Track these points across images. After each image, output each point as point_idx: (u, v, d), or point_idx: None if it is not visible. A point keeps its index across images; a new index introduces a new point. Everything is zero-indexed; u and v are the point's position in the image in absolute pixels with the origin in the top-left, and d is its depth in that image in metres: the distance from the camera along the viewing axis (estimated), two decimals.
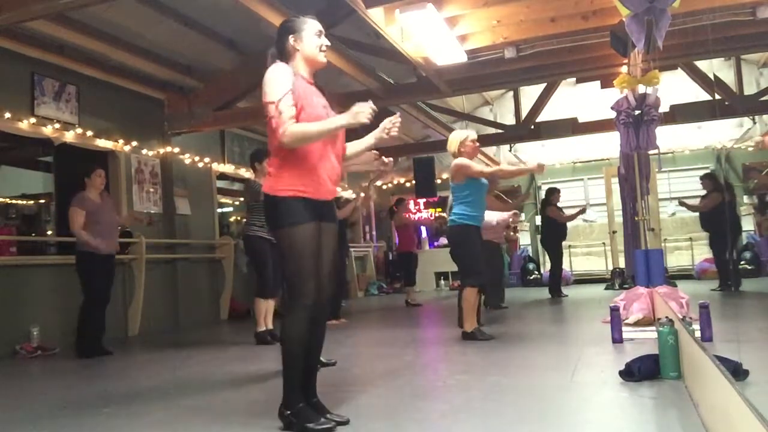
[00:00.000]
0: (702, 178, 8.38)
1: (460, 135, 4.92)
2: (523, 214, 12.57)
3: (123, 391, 3.66)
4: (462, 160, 4.77)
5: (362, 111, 2.41)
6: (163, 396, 3.42)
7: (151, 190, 7.52)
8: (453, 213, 4.83)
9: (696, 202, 8.40)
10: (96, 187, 5.31)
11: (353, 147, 2.77)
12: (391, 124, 2.57)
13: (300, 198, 2.48)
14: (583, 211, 9.18)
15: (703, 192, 8.22)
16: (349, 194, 12.09)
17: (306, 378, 2.57)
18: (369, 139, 2.70)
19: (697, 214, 8.45)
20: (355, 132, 2.62)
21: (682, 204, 8.50)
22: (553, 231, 8.75)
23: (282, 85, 2.45)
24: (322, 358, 3.45)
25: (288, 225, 2.48)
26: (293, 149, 2.47)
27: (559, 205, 8.92)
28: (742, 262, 9.27)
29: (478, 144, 4.93)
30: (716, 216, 7.76)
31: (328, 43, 2.69)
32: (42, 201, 7.85)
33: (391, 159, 2.99)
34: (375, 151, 2.89)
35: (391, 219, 9.86)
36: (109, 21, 6.01)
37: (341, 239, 6.63)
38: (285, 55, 2.60)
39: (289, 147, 2.44)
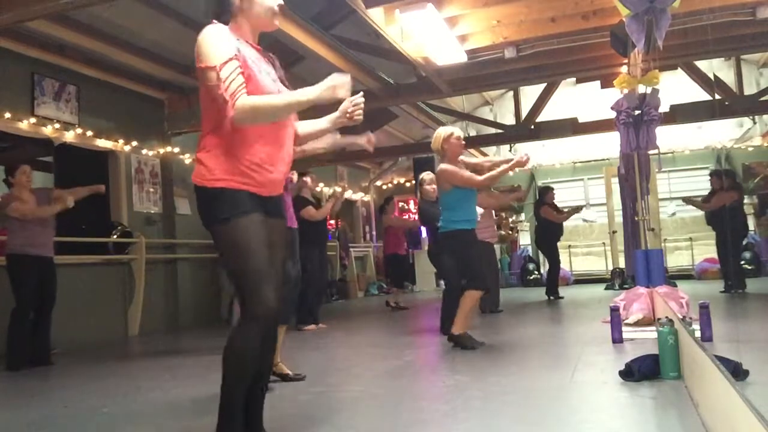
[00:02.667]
0: (711, 174, 8.27)
1: (445, 131, 4.65)
2: (522, 214, 12.59)
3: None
4: (447, 167, 4.50)
5: (340, 84, 2.03)
6: None
7: (151, 190, 7.52)
8: (442, 219, 4.62)
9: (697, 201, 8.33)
10: (23, 185, 4.94)
11: (306, 126, 2.35)
12: (353, 107, 2.18)
13: (241, 191, 2.07)
14: (577, 210, 8.99)
15: (707, 190, 8.11)
16: (349, 194, 12.10)
17: (251, 405, 2.16)
18: (323, 123, 2.32)
19: (699, 213, 8.38)
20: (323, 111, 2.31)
21: (687, 202, 8.27)
22: (548, 231, 8.53)
23: (223, 47, 2.00)
24: (288, 372, 3.49)
25: (228, 217, 2.04)
26: (232, 130, 2.03)
27: (558, 204, 8.82)
28: (742, 262, 9.26)
29: (463, 142, 4.67)
30: (730, 215, 7.53)
31: (282, 3, 2.23)
32: None
33: (372, 137, 2.64)
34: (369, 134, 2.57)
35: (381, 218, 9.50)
36: (109, 21, 6.01)
37: (319, 238, 6.43)
38: (227, 14, 2.14)
39: (239, 123, 2.00)
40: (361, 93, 2.21)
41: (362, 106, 2.19)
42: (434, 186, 5.40)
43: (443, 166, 4.53)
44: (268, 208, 2.15)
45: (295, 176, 6.22)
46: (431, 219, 5.37)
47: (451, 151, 4.54)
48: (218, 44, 2.01)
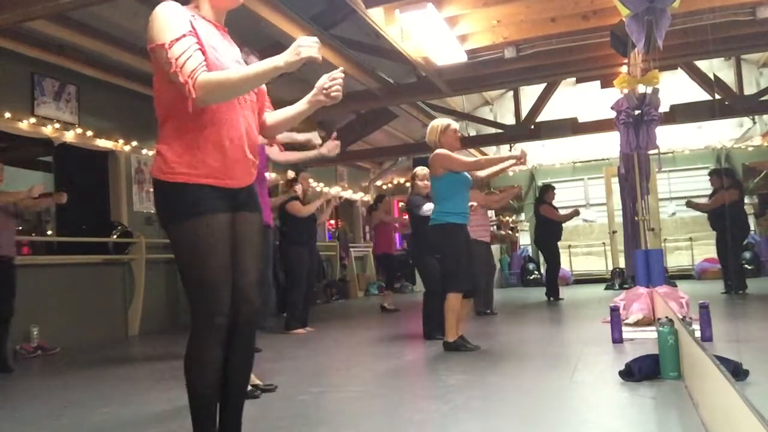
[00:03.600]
0: (711, 173, 8.22)
1: (441, 123, 4.49)
2: (522, 214, 12.59)
3: None
4: (442, 151, 4.34)
5: (305, 44, 1.84)
6: None
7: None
8: (434, 211, 4.44)
9: (700, 201, 8.30)
10: None
11: (279, 114, 2.17)
12: (330, 81, 1.99)
13: (203, 185, 1.88)
14: (576, 213, 8.71)
15: (707, 190, 8.09)
16: (349, 194, 12.10)
17: (226, 422, 1.98)
18: (301, 105, 2.10)
19: (699, 213, 8.36)
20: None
21: (690, 205, 8.11)
22: (548, 230, 8.34)
23: (175, 24, 1.82)
24: (259, 382, 3.22)
25: (185, 217, 1.87)
26: (190, 115, 1.84)
27: (558, 204, 8.75)
28: (742, 262, 9.25)
29: (459, 133, 4.52)
30: (732, 214, 7.42)
31: None
32: None
33: (338, 143, 2.54)
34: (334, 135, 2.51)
35: (370, 216, 9.14)
36: (109, 21, 6.01)
37: (307, 238, 6.25)
38: None
39: (203, 104, 1.82)
40: (341, 69, 2.05)
41: (341, 81, 2.00)
42: (427, 182, 5.20)
43: (438, 150, 4.35)
44: (239, 200, 1.97)
45: (290, 174, 6.18)
46: (416, 206, 5.23)
47: (448, 144, 4.38)
48: (169, 21, 1.82)
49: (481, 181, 6.75)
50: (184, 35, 1.81)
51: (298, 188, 6.42)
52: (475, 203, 6.03)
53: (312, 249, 6.40)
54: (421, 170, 5.42)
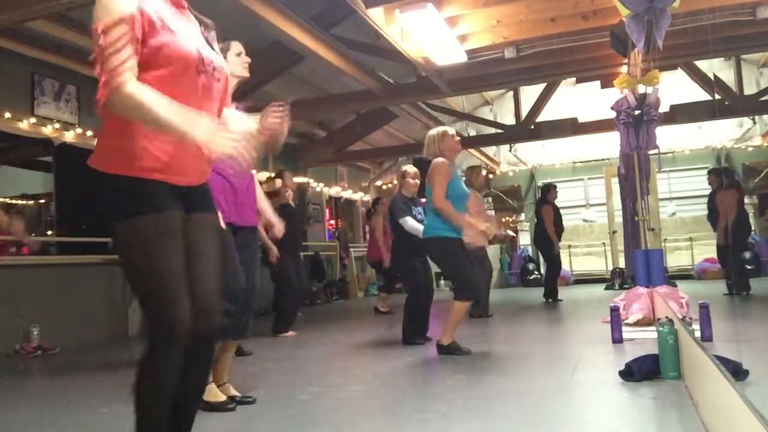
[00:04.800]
0: (709, 173, 8.12)
1: (437, 132, 4.34)
2: (522, 214, 12.59)
3: None
4: (439, 162, 4.19)
5: (223, 142, 1.58)
6: None
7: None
8: (426, 224, 4.33)
9: (694, 201, 8.26)
10: None
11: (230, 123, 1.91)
12: (270, 122, 1.83)
13: (152, 180, 1.65)
14: (558, 244, 8.25)
15: (707, 190, 8.05)
16: (349, 194, 12.11)
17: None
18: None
19: (699, 213, 8.33)
20: None
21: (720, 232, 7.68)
22: (547, 231, 8.09)
23: (118, 3, 1.59)
24: (236, 393, 3.02)
25: (135, 214, 1.64)
26: (149, 85, 1.60)
27: (558, 205, 8.56)
28: (744, 263, 9.25)
29: (458, 138, 4.38)
30: (734, 214, 7.29)
31: None
32: (42, 201, 7.84)
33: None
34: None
35: (368, 220, 8.63)
36: None
37: (290, 241, 5.67)
38: None
39: (110, 108, 1.59)
40: (290, 100, 1.90)
41: (283, 121, 1.82)
42: (418, 181, 5.13)
43: (437, 161, 4.24)
44: (192, 201, 1.76)
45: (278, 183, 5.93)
46: (400, 211, 4.99)
47: (448, 150, 4.27)
48: (110, 1, 1.60)
49: (478, 186, 6.67)
50: (122, 19, 1.58)
51: (288, 194, 6.04)
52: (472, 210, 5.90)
53: (295, 251, 6.06)
54: (411, 168, 5.23)
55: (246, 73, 2.96)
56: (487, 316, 6.54)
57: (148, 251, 1.63)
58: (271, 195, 5.83)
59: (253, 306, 3.08)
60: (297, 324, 6.30)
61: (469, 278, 4.17)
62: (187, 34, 1.72)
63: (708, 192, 8.09)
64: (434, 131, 4.39)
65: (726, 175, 8.07)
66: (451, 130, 4.38)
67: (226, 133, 1.62)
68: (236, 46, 2.94)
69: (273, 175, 6.26)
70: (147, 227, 1.64)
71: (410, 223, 4.92)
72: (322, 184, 11.11)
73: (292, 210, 6.03)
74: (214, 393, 2.90)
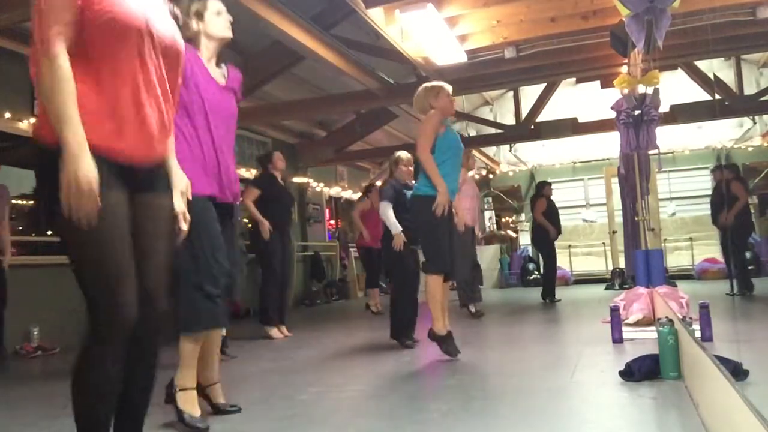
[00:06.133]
0: (721, 168, 8.09)
1: (432, 85, 4.00)
2: (523, 214, 12.59)
3: None
4: (430, 115, 3.84)
5: (82, 201, 1.45)
6: None
7: None
8: (417, 183, 3.95)
9: (694, 201, 8.25)
10: None
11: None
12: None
13: (97, 156, 1.49)
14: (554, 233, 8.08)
15: (707, 190, 8.02)
16: (349, 194, 12.10)
17: None
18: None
19: (699, 213, 8.31)
20: None
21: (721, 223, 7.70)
22: (544, 230, 8.00)
23: None
24: (222, 401, 2.80)
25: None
26: (80, 63, 1.51)
27: (558, 205, 8.46)
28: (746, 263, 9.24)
29: (453, 99, 3.98)
30: (737, 212, 7.24)
31: None
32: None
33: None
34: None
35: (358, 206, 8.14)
36: None
37: (278, 219, 5.55)
38: None
39: (37, 77, 1.49)
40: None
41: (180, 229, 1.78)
42: (412, 168, 4.89)
43: (426, 116, 3.88)
44: (141, 180, 1.63)
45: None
46: (382, 197, 4.80)
47: (439, 108, 3.88)
48: None
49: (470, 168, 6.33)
50: None
51: (278, 162, 5.72)
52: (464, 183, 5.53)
53: (285, 233, 5.72)
54: (405, 154, 4.94)
55: (228, 33, 2.66)
56: (478, 313, 6.33)
57: (90, 236, 1.49)
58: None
59: (229, 295, 2.86)
60: (296, 324, 6.29)
61: (442, 250, 3.78)
62: (136, 5, 1.59)
63: (708, 192, 8.08)
64: (429, 84, 4.03)
65: (731, 172, 7.95)
66: (448, 87, 3.97)
67: (91, 190, 1.44)
68: (214, 4, 2.64)
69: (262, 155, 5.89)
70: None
71: (386, 211, 4.66)
72: (322, 184, 11.11)
73: (280, 187, 5.72)
74: (190, 402, 2.61)
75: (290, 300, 9.48)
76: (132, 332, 1.56)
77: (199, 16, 2.62)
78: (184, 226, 1.78)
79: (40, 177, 1.58)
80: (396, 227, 4.63)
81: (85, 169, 1.44)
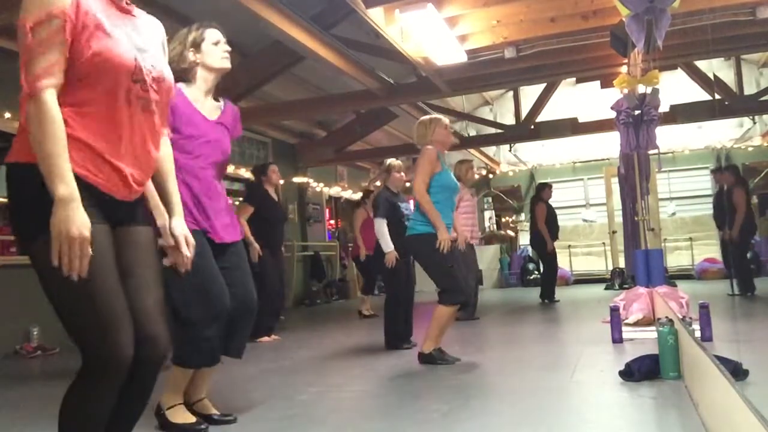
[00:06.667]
0: (722, 170, 8.06)
1: (427, 118, 4.00)
2: (522, 214, 12.59)
3: None
4: (423, 155, 3.82)
5: (74, 257, 1.36)
6: None
7: None
8: (412, 219, 3.93)
9: (694, 201, 8.22)
10: None
11: (162, 178, 1.74)
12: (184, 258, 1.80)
13: (85, 182, 1.43)
14: (555, 238, 8.03)
15: (707, 190, 7.98)
16: (349, 194, 12.10)
17: None
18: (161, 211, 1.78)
19: (699, 213, 8.30)
20: None
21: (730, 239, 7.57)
22: (543, 235, 7.92)
23: None
24: (215, 411, 2.70)
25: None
26: (75, 87, 1.46)
27: (558, 205, 8.50)
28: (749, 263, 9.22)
29: (451, 130, 4.05)
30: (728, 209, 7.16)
31: None
32: None
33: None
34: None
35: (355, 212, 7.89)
36: None
37: (269, 238, 5.39)
38: None
39: (27, 115, 1.48)
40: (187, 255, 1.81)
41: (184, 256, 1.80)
42: (404, 174, 4.87)
43: (428, 147, 3.87)
44: (123, 212, 1.56)
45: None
46: (377, 210, 4.72)
47: (437, 141, 3.89)
48: None
49: (468, 181, 6.23)
50: (52, 15, 1.41)
51: (269, 185, 5.52)
52: (466, 203, 5.61)
53: (275, 249, 5.57)
54: (397, 161, 4.88)
55: (227, 65, 2.55)
56: (473, 318, 6.20)
57: (80, 284, 1.39)
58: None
59: (250, 325, 2.69)
60: (296, 324, 6.30)
61: (456, 280, 3.79)
62: (126, 41, 1.52)
63: (708, 192, 8.06)
64: (426, 117, 4.06)
65: (731, 172, 7.90)
66: (445, 120, 4.00)
67: (84, 246, 1.37)
68: (212, 34, 2.53)
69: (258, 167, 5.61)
70: None
71: (381, 229, 4.63)
72: (322, 184, 11.11)
73: (272, 204, 5.52)
74: (181, 414, 2.56)
75: (290, 301, 9.53)
76: (128, 368, 1.48)
77: (196, 46, 2.51)
78: (187, 251, 1.75)
79: (12, 201, 1.47)
80: (388, 246, 4.56)
81: (79, 223, 1.36)
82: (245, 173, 8.58)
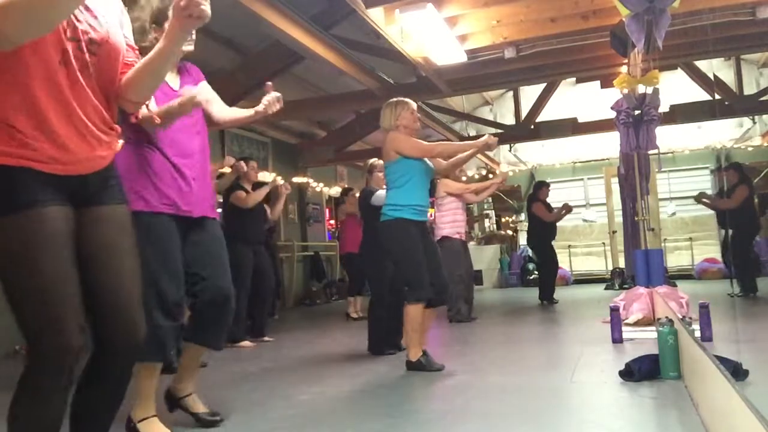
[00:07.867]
0: (726, 169, 8.05)
1: (393, 101, 3.82)
2: (522, 214, 12.59)
3: None
4: (398, 134, 3.67)
5: None
6: None
7: None
8: (386, 204, 3.70)
9: (695, 202, 8.22)
10: None
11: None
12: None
13: (20, 169, 1.37)
14: (568, 210, 8.00)
15: (707, 190, 8.00)
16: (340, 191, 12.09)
17: None
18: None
19: (699, 213, 8.30)
20: None
21: (700, 200, 7.64)
22: (540, 230, 7.88)
23: None
24: (204, 409, 2.62)
25: (2, 213, 1.37)
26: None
27: (555, 204, 8.52)
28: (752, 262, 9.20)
29: (418, 115, 3.83)
30: (743, 212, 6.98)
31: None
32: None
33: (278, 95, 2.49)
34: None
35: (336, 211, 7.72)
36: None
37: (250, 234, 5.21)
38: None
39: (7, 39, 1.29)
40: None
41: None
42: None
43: (393, 133, 3.69)
44: (86, 191, 1.48)
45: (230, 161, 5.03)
46: (369, 195, 4.64)
47: (403, 126, 3.71)
48: None
49: (447, 171, 6.25)
50: None
51: (245, 181, 5.29)
52: (452, 198, 5.49)
53: (258, 250, 5.35)
54: (379, 161, 4.63)
55: (189, 47, 2.33)
56: (470, 319, 6.05)
57: (19, 258, 1.36)
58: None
59: (227, 314, 2.52)
60: (296, 324, 6.29)
61: (421, 274, 3.56)
62: None
63: (708, 192, 8.05)
64: (393, 99, 3.83)
65: (736, 169, 7.83)
66: (413, 104, 3.78)
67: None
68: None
69: (232, 163, 5.24)
70: (14, 228, 1.36)
71: (379, 194, 4.43)
72: (321, 184, 11.10)
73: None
74: (154, 428, 2.41)
75: (290, 301, 9.52)
76: (76, 360, 1.41)
77: (158, 24, 2.33)
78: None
79: None
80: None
81: None
82: None
